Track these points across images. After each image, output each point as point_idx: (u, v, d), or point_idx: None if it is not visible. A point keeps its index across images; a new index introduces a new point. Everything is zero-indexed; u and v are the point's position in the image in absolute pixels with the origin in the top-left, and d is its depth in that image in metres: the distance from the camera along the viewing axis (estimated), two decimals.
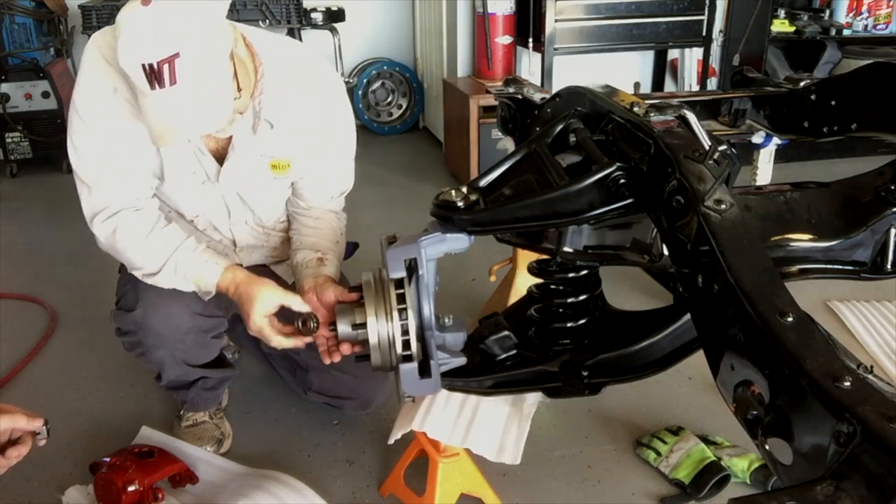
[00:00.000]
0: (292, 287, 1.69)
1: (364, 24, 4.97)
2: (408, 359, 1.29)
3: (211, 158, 1.66)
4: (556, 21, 3.68)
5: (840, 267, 1.30)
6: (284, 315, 1.54)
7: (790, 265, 1.26)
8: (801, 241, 1.27)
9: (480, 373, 1.52)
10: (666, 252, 1.20)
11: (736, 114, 1.88)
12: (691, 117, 1.21)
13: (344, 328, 1.39)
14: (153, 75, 1.31)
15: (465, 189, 1.30)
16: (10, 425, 1.23)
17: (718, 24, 4.06)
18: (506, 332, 1.52)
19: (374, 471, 1.90)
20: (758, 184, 2.64)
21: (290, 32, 4.28)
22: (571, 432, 2.02)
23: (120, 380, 2.29)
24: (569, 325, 1.55)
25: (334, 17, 4.40)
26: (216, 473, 1.87)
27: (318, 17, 4.30)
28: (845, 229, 1.27)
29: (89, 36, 4.21)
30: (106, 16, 3.92)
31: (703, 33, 3.94)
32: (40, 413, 1.26)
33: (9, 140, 4.25)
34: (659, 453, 1.87)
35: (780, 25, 4.27)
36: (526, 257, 2.12)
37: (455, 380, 1.44)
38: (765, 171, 2.76)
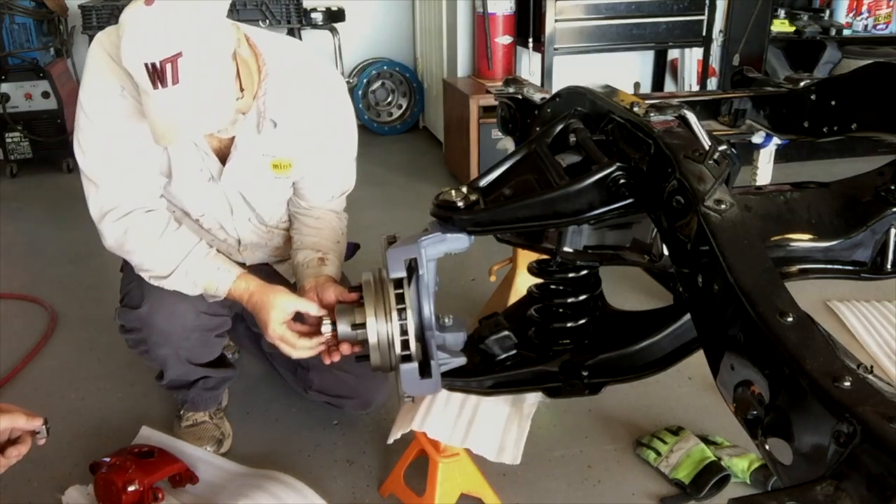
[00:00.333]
0: (294, 287, 1.69)
1: (364, 24, 4.97)
2: (407, 359, 1.29)
3: (214, 158, 1.67)
4: (556, 21, 3.68)
5: (840, 267, 1.30)
6: (297, 320, 1.54)
7: (790, 265, 1.26)
8: (801, 241, 1.27)
9: (480, 373, 1.52)
10: (666, 252, 1.20)
11: (736, 114, 1.88)
12: (691, 117, 1.21)
13: (343, 328, 1.39)
14: (156, 74, 1.31)
15: (465, 189, 1.30)
16: (10, 425, 1.23)
17: (718, 24, 4.06)
18: (506, 332, 1.52)
19: (374, 471, 1.90)
20: (758, 184, 2.64)
21: (290, 32, 4.27)
22: (571, 432, 2.02)
23: (120, 380, 2.29)
24: (569, 325, 1.55)
25: (334, 17, 4.40)
26: (216, 473, 1.87)
27: (318, 17, 4.30)
28: (845, 229, 1.27)
29: (89, 36, 4.21)
30: (106, 16, 3.92)
31: (703, 33, 3.94)
32: (40, 413, 1.26)
33: (9, 140, 4.24)
34: (659, 453, 1.87)
35: (780, 25, 4.27)
36: (526, 257, 2.12)
37: (455, 380, 1.44)
38: (765, 171, 2.76)
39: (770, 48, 4.19)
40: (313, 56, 1.73)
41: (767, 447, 0.87)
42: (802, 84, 1.73)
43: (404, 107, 5.15)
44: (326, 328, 1.44)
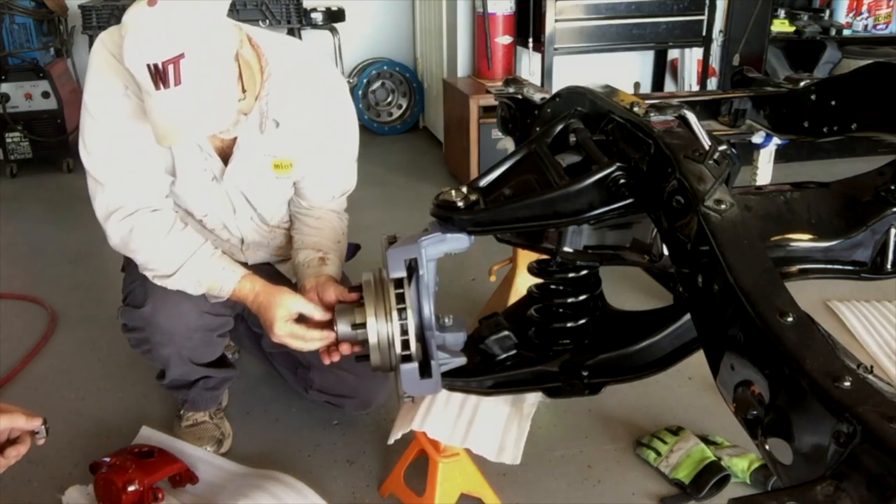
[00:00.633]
0: (296, 286, 1.69)
1: (364, 24, 4.97)
2: (408, 359, 1.29)
3: (217, 158, 1.67)
4: (556, 21, 3.68)
5: (840, 267, 1.30)
6: (299, 321, 1.54)
7: (790, 265, 1.26)
8: (801, 241, 1.27)
9: (480, 373, 1.52)
10: (666, 252, 1.20)
11: (736, 114, 1.88)
12: (691, 117, 1.21)
13: (344, 328, 1.39)
14: (158, 76, 1.31)
15: (465, 189, 1.30)
16: (9, 425, 1.23)
17: (718, 24, 4.06)
18: (506, 332, 1.52)
19: (374, 471, 1.90)
20: (758, 184, 2.64)
21: (290, 32, 4.27)
22: (571, 432, 2.02)
23: (120, 380, 2.29)
24: (569, 325, 1.55)
25: (334, 17, 4.40)
26: (216, 473, 1.87)
27: (318, 17, 4.30)
28: (845, 229, 1.27)
29: (89, 36, 4.21)
30: (106, 16, 3.92)
31: (703, 33, 3.94)
32: (40, 413, 1.26)
33: (9, 140, 4.24)
34: (659, 453, 1.86)
35: (780, 25, 4.27)
36: (526, 257, 2.12)
37: (455, 380, 1.44)
38: (765, 171, 2.76)
39: (770, 48, 4.19)
40: (316, 56, 1.74)
41: (767, 447, 0.87)
42: (802, 84, 1.73)
43: (404, 107, 5.15)
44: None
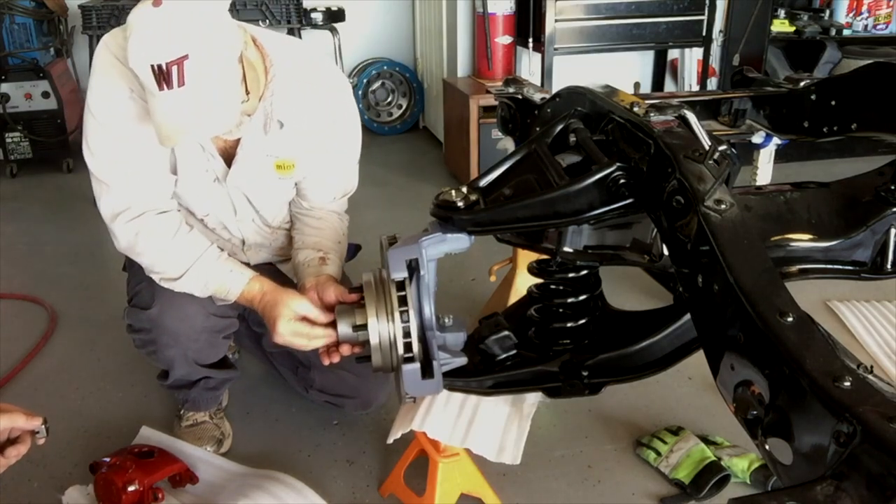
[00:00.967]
0: (296, 286, 1.69)
1: (364, 24, 4.97)
2: (410, 360, 1.29)
3: (220, 159, 1.67)
4: (556, 21, 3.68)
5: (840, 267, 1.30)
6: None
7: (790, 265, 1.26)
8: (801, 241, 1.27)
9: (480, 373, 1.52)
10: (666, 252, 1.20)
11: (736, 114, 1.88)
12: (691, 117, 1.21)
13: (344, 329, 1.39)
14: (161, 76, 1.31)
15: (465, 189, 1.30)
16: (9, 424, 1.23)
17: (718, 24, 4.06)
18: (506, 332, 1.52)
19: (374, 471, 1.90)
20: (758, 184, 2.64)
21: (290, 32, 4.27)
22: (571, 432, 2.02)
23: (120, 380, 2.29)
24: (569, 325, 1.55)
25: (334, 17, 4.40)
26: (216, 473, 1.87)
27: (318, 17, 4.30)
28: (845, 229, 1.27)
29: (89, 36, 4.20)
30: (106, 16, 3.91)
31: (703, 33, 3.94)
32: (40, 412, 1.26)
33: (9, 140, 4.24)
34: (659, 453, 1.86)
35: (780, 25, 4.27)
36: (526, 257, 2.12)
37: (455, 380, 1.44)
38: (765, 171, 2.76)
39: (770, 48, 4.19)
40: (320, 56, 1.74)
41: (767, 447, 0.87)
42: (802, 84, 1.73)
43: (404, 107, 5.15)
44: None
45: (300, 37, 4.33)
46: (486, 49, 3.93)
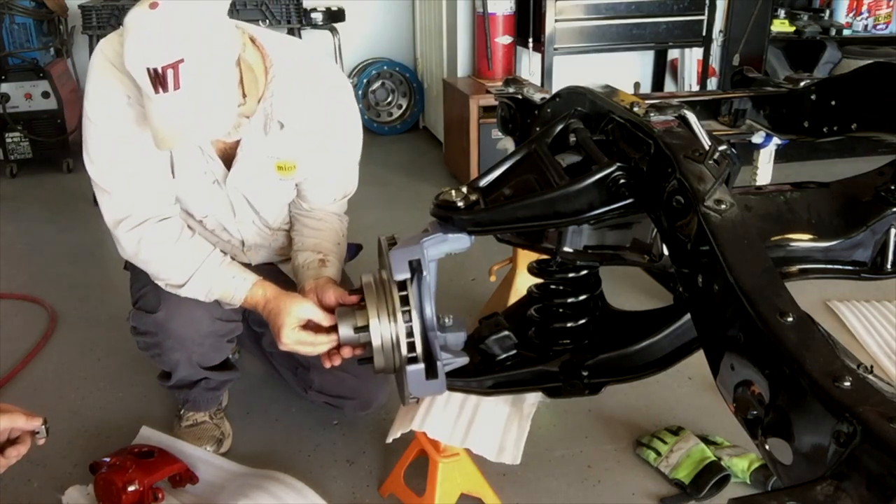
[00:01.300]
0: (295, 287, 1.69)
1: (364, 24, 4.96)
2: (413, 360, 1.29)
3: (219, 162, 1.67)
4: (556, 21, 3.68)
5: (840, 267, 1.30)
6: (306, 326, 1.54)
7: (790, 265, 1.26)
8: (801, 241, 1.27)
9: (480, 373, 1.52)
10: (666, 252, 1.20)
11: (736, 114, 1.88)
12: (691, 117, 1.21)
13: (346, 331, 1.39)
14: (157, 79, 1.31)
15: (465, 189, 1.30)
16: (10, 425, 1.23)
17: (718, 24, 4.06)
18: (506, 332, 1.52)
19: (374, 471, 1.90)
20: (758, 184, 2.64)
21: (290, 32, 4.26)
22: (571, 432, 2.02)
23: (120, 380, 2.29)
24: (569, 325, 1.56)
25: (334, 17, 4.40)
26: (216, 473, 1.87)
27: (318, 17, 4.29)
28: (845, 229, 1.28)
29: (89, 36, 4.19)
30: (106, 16, 3.91)
31: (703, 33, 3.93)
32: (40, 413, 1.26)
33: (9, 140, 4.24)
34: (659, 453, 1.86)
35: (780, 25, 4.27)
36: (526, 257, 2.12)
37: (455, 380, 1.44)
38: (765, 171, 2.76)
39: (770, 48, 4.19)
40: (320, 56, 1.73)
41: (767, 447, 0.87)
42: (802, 84, 1.73)
43: (404, 107, 5.15)
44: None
45: (300, 37, 4.33)
46: (486, 49, 3.93)
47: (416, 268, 1.28)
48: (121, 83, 1.48)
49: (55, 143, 4.24)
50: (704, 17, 3.89)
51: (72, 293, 2.86)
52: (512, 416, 1.76)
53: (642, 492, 1.81)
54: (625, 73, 4.35)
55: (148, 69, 1.30)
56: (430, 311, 1.31)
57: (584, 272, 1.55)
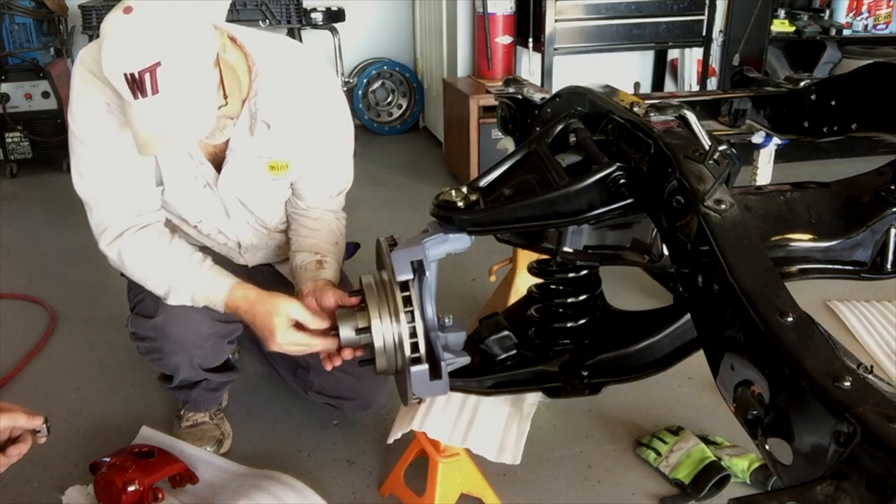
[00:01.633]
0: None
1: (364, 24, 4.97)
2: (417, 361, 1.29)
3: (209, 165, 1.66)
4: (556, 21, 3.68)
5: (840, 267, 1.30)
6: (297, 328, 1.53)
7: (790, 265, 1.26)
8: (801, 241, 1.27)
9: (480, 373, 1.53)
10: (666, 252, 1.20)
11: (736, 114, 1.88)
12: (691, 117, 1.21)
13: (347, 333, 1.38)
14: (135, 85, 1.29)
15: (465, 189, 1.31)
16: (11, 423, 1.23)
17: (718, 24, 4.06)
18: (506, 332, 1.52)
19: (374, 471, 1.90)
20: (758, 184, 2.64)
21: (290, 32, 4.27)
22: (571, 432, 2.02)
23: (120, 380, 2.29)
24: (569, 325, 1.56)
25: (334, 17, 4.40)
26: (216, 473, 1.87)
27: (318, 17, 4.30)
28: (845, 229, 1.28)
29: (89, 36, 4.19)
30: (106, 15, 3.92)
31: (703, 33, 3.94)
32: (40, 412, 1.26)
33: (9, 140, 4.25)
34: (659, 453, 1.86)
35: (780, 25, 4.27)
36: (526, 257, 2.12)
37: (455, 380, 1.44)
38: (765, 171, 2.77)
39: (770, 48, 4.19)
40: (305, 54, 1.72)
41: (767, 447, 0.87)
42: (802, 84, 1.74)
43: (404, 107, 5.15)
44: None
45: (300, 37, 4.34)
46: (486, 49, 3.93)
47: (417, 268, 1.28)
48: (101, 92, 1.48)
49: (55, 143, 4.24)
50: (704, 17, 3.89)
51: (72, 293, 2.86)
52: (512, 416, 1.76)
53: (642, 492, 1.81)
54: (625, 73, 4.35)
55: (125, 75, 1.29)
56: (431, 311, 1.31)
57: (584, 272, 1.55)
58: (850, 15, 4.43)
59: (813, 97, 1.69)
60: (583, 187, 1.21)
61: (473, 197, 1.30)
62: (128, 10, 1.30)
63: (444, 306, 1.35)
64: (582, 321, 1.56)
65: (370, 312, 1.30)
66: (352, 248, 1.95)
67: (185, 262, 1.60)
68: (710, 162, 1.10)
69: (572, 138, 1.37)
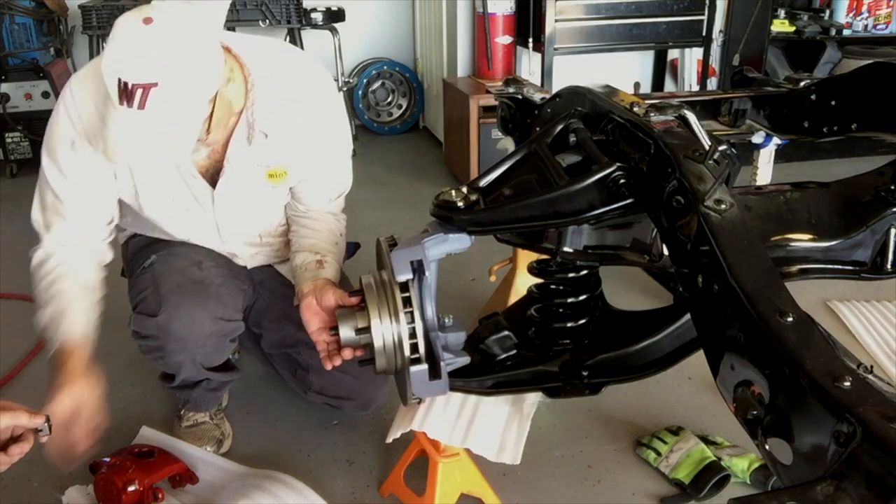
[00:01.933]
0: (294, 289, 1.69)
1: (364, 24, 4.96)
2: (416, 361, 1.29)
3: (202, 182, 1.66)
4: (556, 21, 3.68)
5: (840, 267, 1.30)
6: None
7: (790, 265, 1.26)
8: (801, 241, 1.27)
9: (480, 373, 1.53)
10: (666, 252, 1.20)
11: (736, 114, 1.88)
12: (691, 117, 1.21)
13: (347, 333, 1.38)
14: (125, 93, 1.28)
15: (465, 189, 1.31)
16: (13, 422, 1.23)
17: (718, 24, 4.06)
18: (506, 332, 1.52)
19: (374, 471, 1.90)
20: (758, 184, 2.64)
21: (290, 32, 4.27)
22: (571, 432, 2.02)
23: (120, 380, 2.29)
24: (569, 325, 1.56)
25: (334, 17, 4.40)
26: (216, 473, 1.87)
27: (318, 17, 4.29)
28: (845, 229, 1.28)
29: (90, 36, 4.17)
30: (106, 16, 3.92)
31: (703, 33, 3.94)
32: (40, 412, 1.26)
33: (9, 140, 4.25)
34: (659, 453, 1.86)
35: (780, 25, 4.27)
36: (526, 257, 2.12)
37: (455, 380, 1.44)
38: (765, 171, 2.77)
39: (770, 48, 4.19)
40: (298, 58, 1.71)
41: (767, 447, 0.87)
42: (802, 84, 1.74)
43: (404, 107, 5.15)
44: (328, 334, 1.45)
45: (300, 37, 4.34)
46: (486, 49, 3.93)
47: (417, 268, 1.28)
48: (71, 128, 1.52)
49: None
50: (704, 17, 3.89)
51: None
52: (512, 416, 1.76)
53: (642, 492, 1.81)
54: (625, 73, 4.35)
55: (119, 80, 1.28)
56: (431, 311, 1.31)
57: (584, 272, 1.55)
58: (850, 15, 4.43)
59: (813, 97, 1.69)
60: (583, 187, 1.21)
61: (473, 197, 1.30)
62: (148, 20, 1.29)
63: (444, 306, 1.35)
64: (582, 321, 1.56)
65: (370, 312, 1.30)
66: (352, 249, 1.95)
67: (66, 303, 1.64)
68: (710, 162, 1.10)
69: (572, 138, 1.37)
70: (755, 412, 0.89)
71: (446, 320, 1.36)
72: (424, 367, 1.28)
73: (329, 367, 1.51)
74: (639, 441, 1.94)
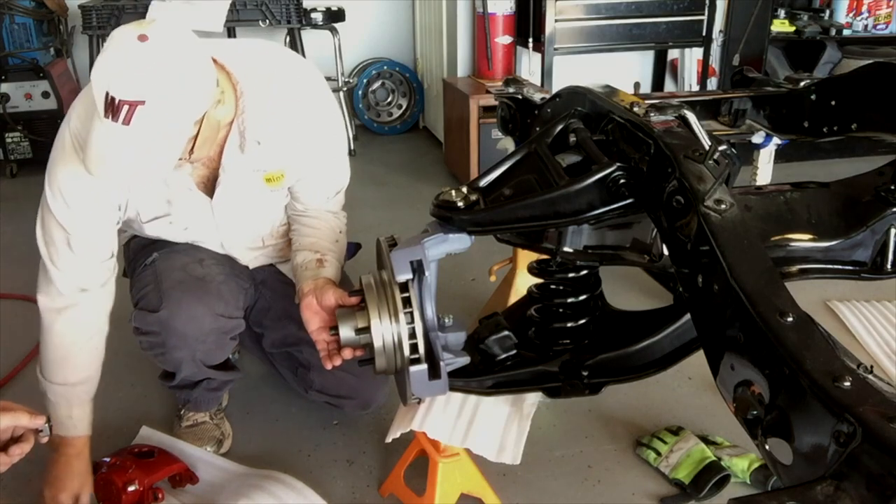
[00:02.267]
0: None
1: (364, 24, 4.97)
2: (416, 361, 1.29)
3: (199, 195, 1.66)
4: (556, 21, 3.68)
5: (840, 267, 1.30)
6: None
7: (790, 265, 1.26)
8: (801, 241, 1.27)
9: (480, 373, 1.53)
10: (666, 252, 1.21)
11: (736, 114, 1.88)
12: (691, 117, 1.21)
13: (346, 333, 1.38)
14: (111, 107, 1.27)
15: (465, 189, 1.31)
16: (13, 423, 1.23)
17: (718, 24, 4.06)
18: (506, 332, 1.52)
19: (374, 471, 1.90)
20: (758, 184, 2.64)
21: (290, 32, 4.27)
22: (571, 432, 2.02)
23: (120, 380, 2.29)
24: (569, 325, 1.56)
25: (334, 17, 4.40)
26: (216, 473, 1.87)
27: (318, 17, 4.29)
28: (845, 229, 1.28)
29: (90, 36, 4.17)
30: (106, 16, 3.91)
31: (703, 33, 3.94)
32: (40, 413, 1.26)
33: (9, 140, 4.24)
34: (659, 453, 1.87)
35: (780, 25, 4.27)
36: (526, 257, 2.12)
37: (455, 380, 1.44)
38: (765, 171, 2.77)
39: (770, 48, 4.19)
40: (287, 59, 1.69)
41: (767, 447, 0.87)
42: (802, 84, 1.74)
43: (404, 107, 5.15)
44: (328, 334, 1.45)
45: (300, 37, 4.34)
46: (486, 49, 3.93)
47: (417, 268, 1.29)
48: (76, 155, 1.50)
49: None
50: (704, 17, 3.89)
51: None
52: (512, 416, 1.76)
53: (642, 492, 1.81)
54: (625, 73, 4.35)
55: (107, 93, 1.27)
56: (431, 311, 1.31)
57: (584, 272, 1.55)
58: (850, 15, 4.43)
59: (813, 97, 1.69)
60: (583, 187, 1.21)
61: (473, 197, 1.30)
62: (143, 37, 1.27)
63: (444, 306, 1.35)
64: (582, 321, 1.56)
65: (370, 312, 1.30)
66: (353, 249, 1.95)
67: (72, 384, 1.72)
68: (710, 162, 1.10)
69: (572, 138, 1.37)
70: (755, 412, 0.89)
71: (446, 320, 1.36)
72: (424, 367, 1.28)
73: (329, 366, 1.51)
74: (639, 441, 1.94)
